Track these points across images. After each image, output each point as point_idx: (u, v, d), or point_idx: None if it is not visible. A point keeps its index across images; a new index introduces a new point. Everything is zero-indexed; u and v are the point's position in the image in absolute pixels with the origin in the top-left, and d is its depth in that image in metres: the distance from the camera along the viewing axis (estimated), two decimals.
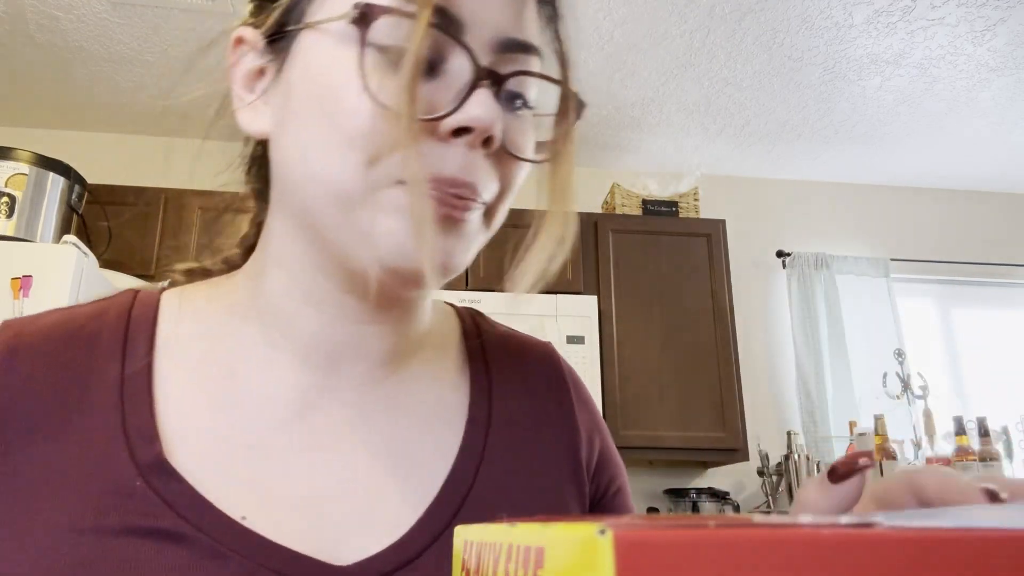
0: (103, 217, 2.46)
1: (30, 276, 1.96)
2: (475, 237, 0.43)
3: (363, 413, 0.46)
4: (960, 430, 2.51)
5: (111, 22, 2.49)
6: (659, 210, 3.05)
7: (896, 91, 2.86)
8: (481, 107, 0.39)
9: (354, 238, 0.40)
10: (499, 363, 0.53)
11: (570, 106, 0.44)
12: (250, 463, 0.42)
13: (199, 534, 0.39)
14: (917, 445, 2.69)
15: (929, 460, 2.51)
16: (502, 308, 2.39)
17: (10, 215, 2.16)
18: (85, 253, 2.08)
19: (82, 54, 2.65)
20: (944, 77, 2.78)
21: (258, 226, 0.50)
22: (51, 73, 2.76)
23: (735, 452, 2.76)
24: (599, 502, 0.54)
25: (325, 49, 0.40)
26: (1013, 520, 0.17)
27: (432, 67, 0.40)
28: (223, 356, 0.46)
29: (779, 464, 2.87)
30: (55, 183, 2.28)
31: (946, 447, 2.57)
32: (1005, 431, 2.76)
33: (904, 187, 3.62)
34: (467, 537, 0.25)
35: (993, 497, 0.26)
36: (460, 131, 0.39)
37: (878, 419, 2.58)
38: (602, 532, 0.14)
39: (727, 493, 2.88)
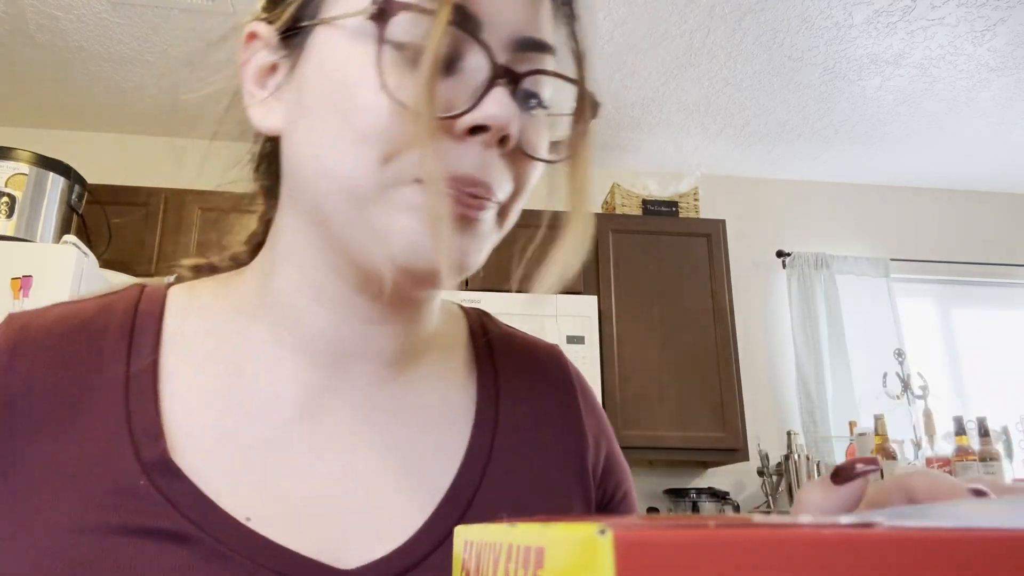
0: (103, 217, 2.46)
1: (30, 276, 1.97)
2: (489, 237, 0.43)
3: (370, 414, 0.46)
4: (960, 430, 2.50)
5: (111, 22, 2.49)
6: (659, 210, 3.05)
7: (896, 91, 2.86)
8: (498, 105, 0.38)
9: (367, 236, 0.40)
10: (506, 365, 0.53)
11: (586, 106, 0.43)
12: (255, 463, 0.42)
13: (202, 535, 0.38)
14: (917, 445, 2.69)
15: (929, 460, 2.51)
16: (502, 308, 2.38)
17: (10, 215, 2.16)
18: (85, 253, 2.08)
19: (82, 54, 2.65)
20: (944, 77, 2.78)
21: (267, 224, 0.50)
22: (51, 73, 2.76)
23: (735, 452, 2.75)
24: (605, 507, 0.54)
25: (341, 45, 0.40)
26: (1013, 520, 0.17)
27: (449, 65, 0.39)
28: (230, 354, 0.46)
29: (779, 464, 2.87)
30: (55, 183, 2.28)
31: (946, 447, 2.56)
32: (1005, 431, 2.76)
33: (904, 187, 3.62)
34: (467, 537, 0.24)
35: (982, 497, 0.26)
36: (476, 129, 0.39)
37: (878, 419, 2.59)
38: (602, 532, 0.14)
39: (727, 493, 2.88)
